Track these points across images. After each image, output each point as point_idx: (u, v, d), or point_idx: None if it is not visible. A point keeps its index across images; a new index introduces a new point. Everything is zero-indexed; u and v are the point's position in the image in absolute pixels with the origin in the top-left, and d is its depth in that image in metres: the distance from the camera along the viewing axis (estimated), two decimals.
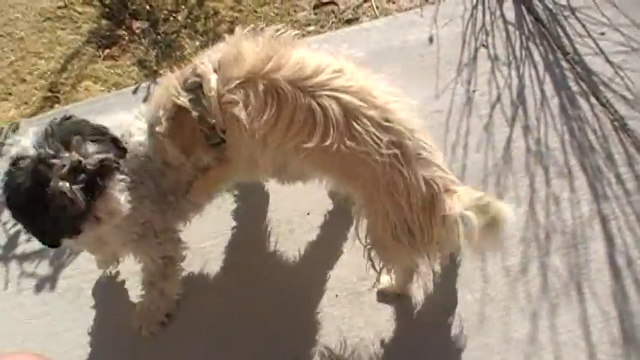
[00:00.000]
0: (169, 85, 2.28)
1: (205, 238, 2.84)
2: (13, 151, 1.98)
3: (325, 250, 2.80)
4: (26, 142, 1.95)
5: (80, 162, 1.93)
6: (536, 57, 3.35)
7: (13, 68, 3.72)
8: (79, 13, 3.88)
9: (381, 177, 2.01)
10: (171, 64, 3.53)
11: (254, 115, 2.10)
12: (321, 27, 3.63)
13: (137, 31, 3.75)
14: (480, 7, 3.57)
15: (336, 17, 3.67)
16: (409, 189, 2.01)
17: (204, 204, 2.57)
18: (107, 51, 3.71)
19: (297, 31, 2.28)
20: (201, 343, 2.63)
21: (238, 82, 2.12)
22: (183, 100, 2.21)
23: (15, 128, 3.38)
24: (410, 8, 3.63)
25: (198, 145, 2.28)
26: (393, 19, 3.57)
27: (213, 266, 2.81)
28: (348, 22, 3.64)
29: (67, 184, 1.90)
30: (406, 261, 2.36)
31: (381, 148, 1.99)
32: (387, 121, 2.03)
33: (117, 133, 2.21)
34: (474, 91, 3.24)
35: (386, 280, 2.61)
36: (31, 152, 1.92)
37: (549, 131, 3.07)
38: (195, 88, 2.21)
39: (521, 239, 2.76)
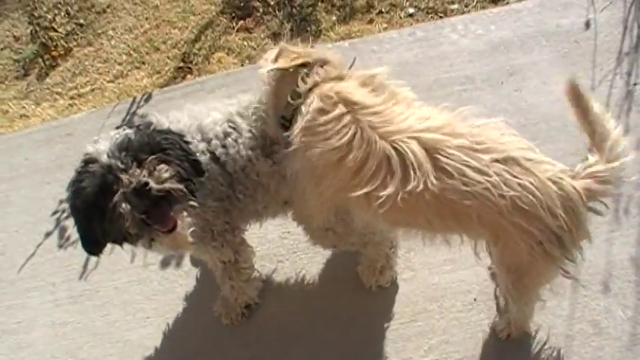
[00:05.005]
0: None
1: None
2: (89, 149, 1.95)
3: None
4: (103, 145, 1.92)
5: (147, 184, 1.86)
6: None
7: (147, 37, 3.73)
8: None
9: (498, 200, 1.79)
10: (306, 38, 3.41)
11: (319, 134, 1.94)
12: (466, 6, 3.39)
13: (272, 3, 3.66)
14: None
15: None
16: (539, 196, 1.79)
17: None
18: (241, 22, 3.65)
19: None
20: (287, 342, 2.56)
21: (332, 94, 1.97)
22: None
23: (147, 98, 3.37)
24: None
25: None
26: (546, 0, 3.28)
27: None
28: (495, 1, 3.38)
29: (128, 207, 1.86)
30: (555, 274, 2.12)
31: (486, 171, 1.80)
32: (480, 143, 1.84)
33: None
34: (634, 85, 2.94)
35: (503, 323, 2.38)
36: (103, 159, 1.88)
37: None
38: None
39: None
